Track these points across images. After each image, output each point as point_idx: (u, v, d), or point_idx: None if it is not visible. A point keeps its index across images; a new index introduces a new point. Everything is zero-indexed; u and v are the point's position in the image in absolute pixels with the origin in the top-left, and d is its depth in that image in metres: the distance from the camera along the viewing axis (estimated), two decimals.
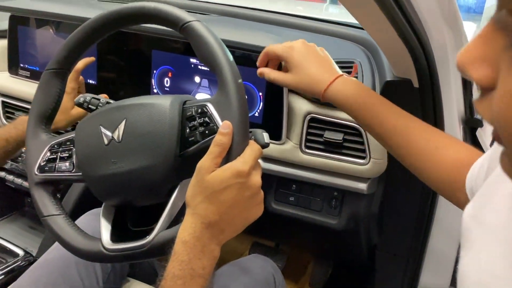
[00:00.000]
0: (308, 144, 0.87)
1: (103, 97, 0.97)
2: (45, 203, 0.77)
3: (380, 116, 0.66)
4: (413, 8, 0.67)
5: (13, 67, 1.22)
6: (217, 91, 0.68)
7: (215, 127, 0.67)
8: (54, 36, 1.13)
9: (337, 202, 0.90)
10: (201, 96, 0.96)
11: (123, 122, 0.71)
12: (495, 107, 0.26)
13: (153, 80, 1.00)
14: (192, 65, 0.95)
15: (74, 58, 0.82)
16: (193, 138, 0.69)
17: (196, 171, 0.62)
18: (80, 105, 0.94)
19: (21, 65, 1.20)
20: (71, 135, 0.80)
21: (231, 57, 0.68)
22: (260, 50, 0.83)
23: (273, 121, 0.89)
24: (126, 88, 1.05)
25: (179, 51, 0.96)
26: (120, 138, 0.71)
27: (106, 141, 0.72)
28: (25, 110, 1.18)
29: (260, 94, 0.89)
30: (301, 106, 0.87)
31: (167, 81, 0.99)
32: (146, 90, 1.01)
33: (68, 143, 0.79)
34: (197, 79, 0.95)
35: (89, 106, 0.93)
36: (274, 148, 0.88)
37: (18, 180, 1.17)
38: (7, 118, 1.22)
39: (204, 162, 0.61)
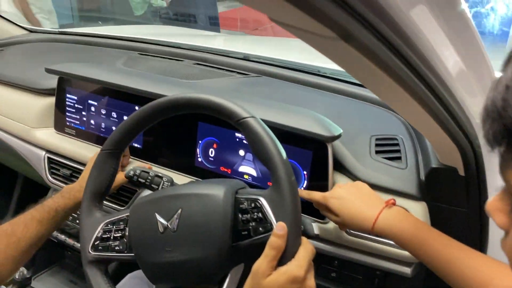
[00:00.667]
0: None
1: (149, 168, 1.00)
2: (98, 281, 0.80)
3: (431, 250, 0.67)
4: (464, 112, 0.68)
5: (59, 124, 1.27)
6: (270, 186, 0.71)
7: (268, 225, 0.69)
8: (99, 99, 1.18)
9: (380, 282, 0.90)
10: (245, 168, 0.98)
11: (179, 212, 0.74)
12: (506, 247, 0.37)
13: (198, 149, 1.03)
14: (237, 139, 0.98)
15: (128, 139, 0.85)
16: (246, 232, 0.71)
17: (252, 274, 0.64)
18: (130, 178, 0.97)
19: (67, 123, 1.25)
20: (124, 214, 0.83)
21: (284, 155, 0.71)
22: (300, 133, 0.85)
23: None
24: (171, 155, 1.08)
25: (225, 125, 0.99)
26: (175, 228, 0.73)
27: (161, 229, 0.74)
28: (69, 168, 1.22)
29: (305, 172, 0.91)
30: None
31: (211, 152, 1.02)
32: (190, 158, 1.04)
33: (121, 223, 0.82)
34: (241, 152, 0.98)
35: (139, 179, 0.97)
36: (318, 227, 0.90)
37: (62, 236, 1.21)
38: (51, 174, 1.26)
39: (260, 265, 0.63)
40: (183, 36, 2.01)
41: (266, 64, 1.39)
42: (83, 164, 1.20)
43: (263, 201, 0.71)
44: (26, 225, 0.88)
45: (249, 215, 0.71)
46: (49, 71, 1.21)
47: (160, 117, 0.82)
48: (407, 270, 0.86)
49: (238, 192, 0.75)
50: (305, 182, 0.91)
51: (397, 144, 0.95)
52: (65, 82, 1.23)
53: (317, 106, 1.08)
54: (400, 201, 0.84)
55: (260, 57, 1.51)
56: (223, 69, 1.38)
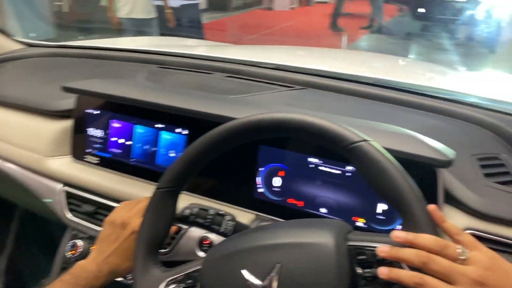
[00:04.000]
0: None
1: (202, 206, 0.82)
2: None
3: None
4: None
5: (78, 152, 1.08)
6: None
7: None
8: (129, 121, 1.00)
9: None
10: (322, 200, 0.81)
11: (277, 269, 0.57)
12: None
13: (258, 178, 0.86)
14: (311, 165, 0.81)
15: (191, 174, 0.68)
16: None
17: None
18: (185, 218, 0.79)
19: (88, 150, 1.06)
20: (192, 268, 0.65)
21: (419, 191, 0.55)
22: (405, 157, 0.69)
23: None
24: (222, 185, 0.90)
25: (294, 149, 0.82)
26: None
27: None
28: (93, 203, 1.03)
29: None
30: (457, 220, 0.73)
31: (277, 181, 0.84)
32: (248, 189, 0.87)
33: (189, 280, 0.65)
34: (317, 181, 0.81)
35: (197, 219, 0.79)
36: None
37: None
38: (71, 210, 1.07)
39: None
40: (201, 47, 1.85)
41: (308, 74, 1.23)
42: (109, 199, 1.01)
43: None
44: None
45: (374, 269, 0.55)
46: (68, 89, 1.02)
47: (237, 143, 0.65)
48: None
49: (348, 238, 0.59)
50: None
51: (502, 165, 0.80)
52: (86, 102, 1.05)
53: (392, 122, 0.92)
54: None
55: (291, 67, 1.36)
56: (261, 81, 1.22)
